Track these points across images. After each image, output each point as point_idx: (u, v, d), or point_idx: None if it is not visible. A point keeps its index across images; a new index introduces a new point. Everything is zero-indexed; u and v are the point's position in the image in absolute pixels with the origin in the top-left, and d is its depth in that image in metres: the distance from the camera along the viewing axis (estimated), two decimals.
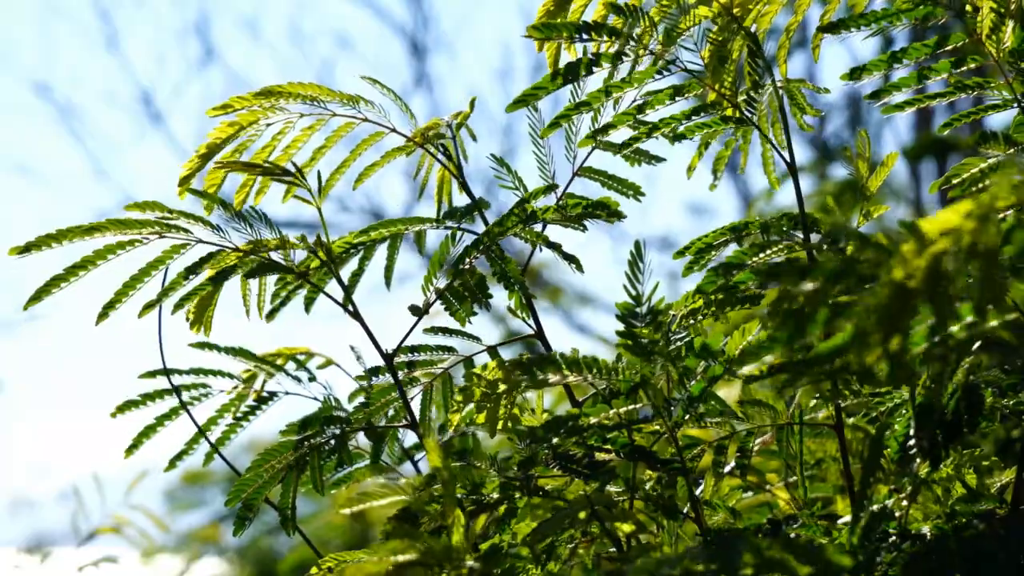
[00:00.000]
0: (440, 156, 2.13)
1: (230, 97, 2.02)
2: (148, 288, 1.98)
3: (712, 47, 1.87)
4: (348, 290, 2.03)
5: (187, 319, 2.04)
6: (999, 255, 1.21)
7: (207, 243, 1.98)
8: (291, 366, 2.23)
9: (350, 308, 2.03)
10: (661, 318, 1.80)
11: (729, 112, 1.93)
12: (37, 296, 1.91)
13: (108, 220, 1.91)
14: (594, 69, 1.89)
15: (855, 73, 1.88)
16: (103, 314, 1.95)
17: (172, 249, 1.97)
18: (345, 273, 2.08)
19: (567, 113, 1.97)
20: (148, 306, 1.99)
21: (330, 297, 2.06)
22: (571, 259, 2.05)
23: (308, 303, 2.10)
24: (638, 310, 1.80)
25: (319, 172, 2.04)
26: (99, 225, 1.91)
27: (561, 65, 1.95)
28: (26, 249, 1.89)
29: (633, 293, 1.81)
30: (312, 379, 2.20)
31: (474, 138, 2.15)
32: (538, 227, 2.06)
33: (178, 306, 2.01)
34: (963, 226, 1.21)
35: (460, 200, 2.18)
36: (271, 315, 2.08)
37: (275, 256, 2.00)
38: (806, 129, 1.99)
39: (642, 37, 1.86)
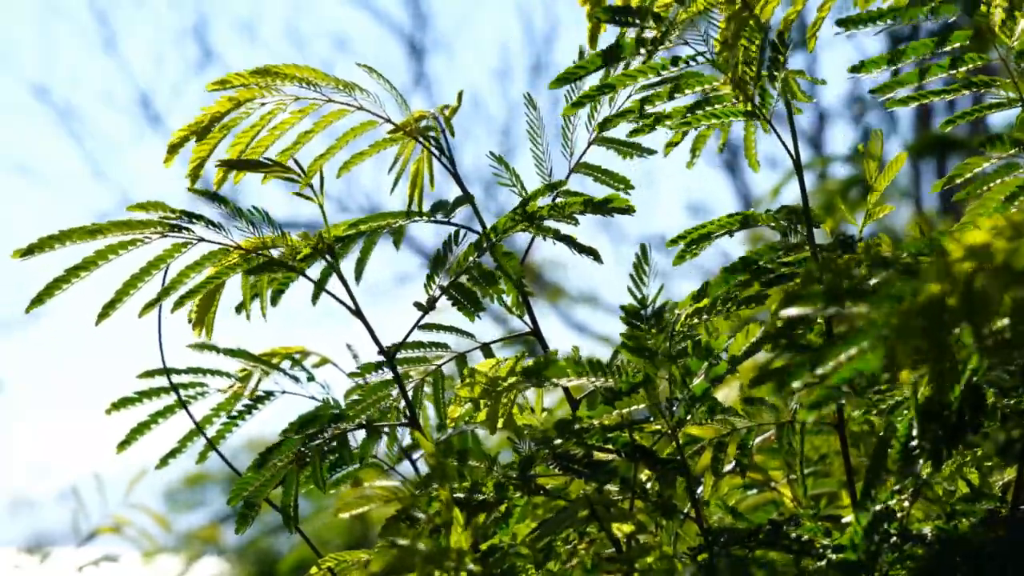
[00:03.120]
0: (430, 147, 2.13)
1: (228, 74, 2.00)
2: (149, 287, 1.97)
3: (723, 35, 1.86)
4: (324, 275, 2.01)
5: (189, 320, 2.03)
6: None
7: (209, 241, 1.97)
8: (287, 365, 2.22)
9: (351, 306, 2.02)
10: (665, 318, 1.80)
11: (741, 106, 1.92)
12: (39, 299, 1.91)
13: (110, 221, 1.90)
14: (636, 54, 1.87)
15: (858, 68, 1.89)
16: (104, 313, 1.94)
17: (173, 248, 1.96)
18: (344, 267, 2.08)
19: (591, 93, 1.96)
20: (149, 305, 1.98)
21: (330, 294, 2.05)
22: (589, 251, 2.04)
23: (315, 296, 2.10)
24: (643, 312, 1.80)
25: (321, 172, 2.03)
26: (102, 226, 1.89)
27: (599, 47, 1.93)
28: (29, 251, 1.88)
29: (638, 296, 1.81)
30: (311, 378, 2.19)
31: (452, 134, 2.13)
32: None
33: (178, 304, 2.00)
34: (994, 245, 1.20)
35: (445, 194, 2.17)
36: (274, 300, 2.07)
37: (275, 253, 2.00)
38: (798, 111, 1.97)
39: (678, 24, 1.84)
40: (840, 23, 1.86)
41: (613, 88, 1.95)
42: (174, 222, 1.94)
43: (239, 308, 2.08)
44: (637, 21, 1.84)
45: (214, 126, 2.03)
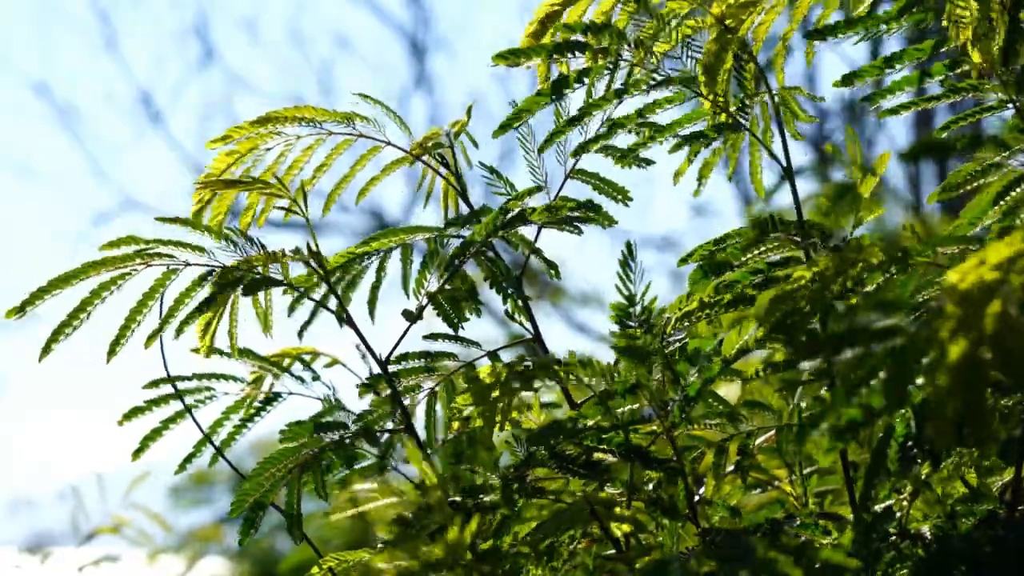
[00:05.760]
0: (434, 165, 2.15)
1: (227, 128, 2.07)
2: (151, 312, 2.04)
3: (706, 57, 1.88)
4: (338, 299, 2.05)
5: (199, 337, 2.08)
6: None
7: (195, 264, 2.02)
8: (296, 367, 2.23)
9: (344, 317, 2.04)
10: (655, 320, 1.80)
11: (723, 118, 1.94)
12: (47, 347, 1.97)
13: (85, 264, 1.97)
14: (576, 86, 1.89)
15: (849, 79, 1.89)
16: (111, 351, 2.01)
17: (164, 276, 2.02)
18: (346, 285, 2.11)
19: (561, 130, 2.00)
20: (152, 336, 2.04)
21: (327, 308, 2.07)
22: (550, 264, 2.06)
23: (291, 309, 2.13)
24: (631, 310, 1.81)
25: (302, 182, 2.08)
26: (78, 271, 1.97)
27: (549, 81, 1.96)
28: (22, 309, 1.95)
29: (626, 293, 1.81)
30: (316, 378, 2.21)
31: (475, 144, 2.16)
32: (528, 229, 2.07)
33: (179, 331, 2.05)
34: (1012, 281, 1.18)
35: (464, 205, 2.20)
36: (266, 321, 2.10)
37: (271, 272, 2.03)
38: (798, 138, 1.99)
39: (629, 51, 1.87)
40: (809, 35, 1.87)
41: (582, 119, 1.97)
42: (152, 251, 2.00)
43: (265, 328, 2.12)
44: (577, 54, 1.87)
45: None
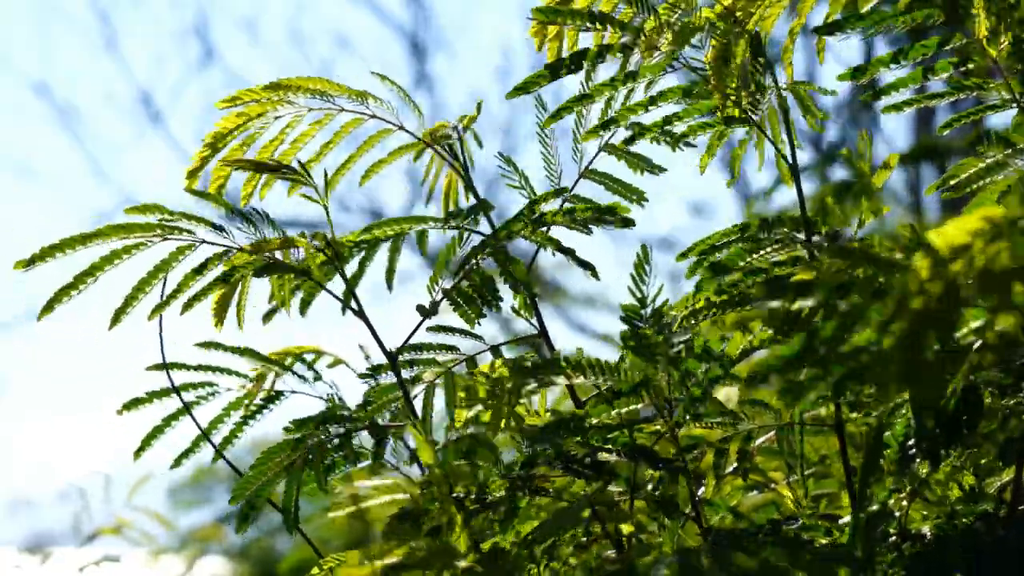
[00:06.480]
0: (447, 156, 2.14)
1: (238, 90, 2.02)
2: (157, 289, 1.99)
3: (715, 48, 1.88)
4: (349, 286, 2.03)
5: (213, 314, 2.05)
6: (1012, 280, 1.19)
7: (212, 243, 1.98)
8: (298, 366, 2.23)
9: (354, 307, 2.03)
10: (663, 320, 1.81)
11: (732, 113, 1.94)
12: (49, 306, 1.93)
13: (108, 225, 1.92)
14: (598, 62, 1.89)
15: (855, 74, 1.88)
16: (115, 319, 1.97)
17: (178, 251, 1.98)
18: (348, 272, 2.09)
19: (569, 105, 1.97)
20: (157, 309, 2.00)
21: (334, 295, 2.06)
22: (586, 265, 2.03)
23: (304, 305, 2.11)
24: (643, 311, 1.82)
25: (324, 170, 2.05)
26: (100, 231, 1.92)
27: (564, 55, 1.95)
28: (31, 262, 1.90)
29: (638, 295, 1.82)
30: (318, 378, 2.20)
31: (480, 144, 2.14)
32: (544, 230, 2.06)
33: (187, 307, 2.02)
34: (974, 245, 1.20)
35: (464, 201, 2.18)
36: (267, 317, 2.10)
37: (279, 255, 2.01)
38: (818, 130, 1.99)
39: (650, 32, 1.86)
40: (817, 30, 1.86)
41: (591, 98, 1.96)
42: (174, 224, 1.96)
43: (267, 315, 2.09)
44: (588, 24, 1.86)
45: (220, 143, 2.05)
